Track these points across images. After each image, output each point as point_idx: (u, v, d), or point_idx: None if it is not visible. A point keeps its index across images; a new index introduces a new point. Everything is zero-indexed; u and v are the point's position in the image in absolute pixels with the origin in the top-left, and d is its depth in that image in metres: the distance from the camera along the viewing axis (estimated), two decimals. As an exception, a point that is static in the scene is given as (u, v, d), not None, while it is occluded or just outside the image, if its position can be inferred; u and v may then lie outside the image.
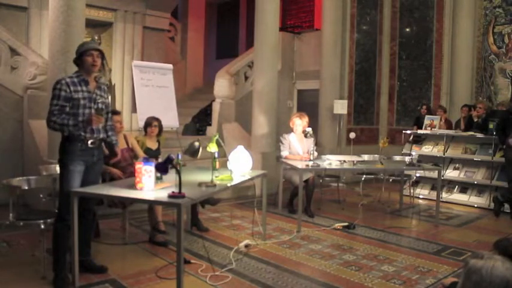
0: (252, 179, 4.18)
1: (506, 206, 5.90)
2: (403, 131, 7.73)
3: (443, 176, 6.49)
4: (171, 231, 4.35)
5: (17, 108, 6.01)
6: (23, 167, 5.90)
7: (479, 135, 6.44)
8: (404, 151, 7.36)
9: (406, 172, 6.32)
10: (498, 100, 7.78)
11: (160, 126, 5.01)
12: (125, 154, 4.49)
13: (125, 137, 4.59)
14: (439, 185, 5.51)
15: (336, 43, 8.38)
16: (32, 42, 7.68)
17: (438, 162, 6.78)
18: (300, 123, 5.65)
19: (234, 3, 13.43)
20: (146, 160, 3.30)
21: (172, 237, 4.10)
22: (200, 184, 3.52)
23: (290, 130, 5.77)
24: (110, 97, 8.48)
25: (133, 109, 8.14)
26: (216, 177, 3.72)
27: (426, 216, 5.78)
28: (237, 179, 3.92)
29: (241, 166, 4.12)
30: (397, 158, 6.34)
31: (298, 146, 5.65)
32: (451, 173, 6.76)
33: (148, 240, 4.31)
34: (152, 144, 4.94)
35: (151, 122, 4.97)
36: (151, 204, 4.03)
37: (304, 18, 10.62)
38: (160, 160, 4.31)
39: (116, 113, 4.55)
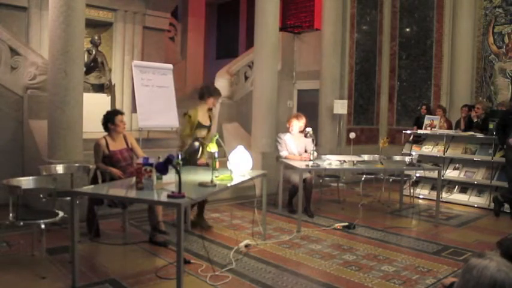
0: (252, 179, 4.18)
1: (506, 206, 5.90)
2: (403, 131, 7.73)
3: (443, 176, 6.49)
4: (171, 231, 4.35)
5: (17, 108, 6.01)
6: (23, 167, 5.90)
7: (479, 135, 6.44)
8: (404, 151, 7.35)
9: (406, 172, 6.31)
10: (498, 100, 7.78)
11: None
12: (125, 154, 4.49)
13: (125, 137, 4.59)
14: (439, 185, 5.51)
15: (336, 43, 8.37)
16: (32, 42, 7.68)
17: (438, 162, 6.78)
18: (297, 123, 5.68)
19: (234, 3, 13.44)
20: (146, 160, 3.31)
21: (173, 237, 4.10)
22: (200, 184, 3.52)
23: (287, 130, 5.79)
24: (110, 97, 8.54)
25: (134, 109, 8.14)
26: (216, 177, 3.72)
27: (426, 216, 5.78)
28: (237, 179, 3.93)
29: (241, 166, 4.13)
30: (397, 158, 6.34)
31: (293, 146, 5.67)
32: (451, 173, 6.76)
33: (149, 240, 4.31)
34: (205, 120, 4.82)
35: (218, 94, 4.93)
36: (152, 204, 4.03)
37: (304, 18, 10.62)
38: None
39: (121, 113, 4.55)
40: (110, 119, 4.44)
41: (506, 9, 7.78)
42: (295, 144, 5.68)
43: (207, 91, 4.82)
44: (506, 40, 7.77)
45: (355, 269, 3.75)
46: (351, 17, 8.82)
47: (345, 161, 5.39)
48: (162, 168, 3.24)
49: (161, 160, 3.24)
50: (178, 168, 3.11)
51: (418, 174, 6.62)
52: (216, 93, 4.87)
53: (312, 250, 4.23)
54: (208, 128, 4.84)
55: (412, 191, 6.84)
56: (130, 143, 4.59)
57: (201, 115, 4.73)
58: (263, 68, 7.01)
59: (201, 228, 4.73)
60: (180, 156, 3.38)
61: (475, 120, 6.93)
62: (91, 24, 8.32)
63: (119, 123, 4.44)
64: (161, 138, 7.38)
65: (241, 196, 6.46)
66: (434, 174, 6.06)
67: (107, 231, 4.58)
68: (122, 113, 4.55)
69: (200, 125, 4.71)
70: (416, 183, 7.06)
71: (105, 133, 4.51)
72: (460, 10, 7.99)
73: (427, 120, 7.31)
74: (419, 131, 7.26)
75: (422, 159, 6.79)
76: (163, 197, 3.07)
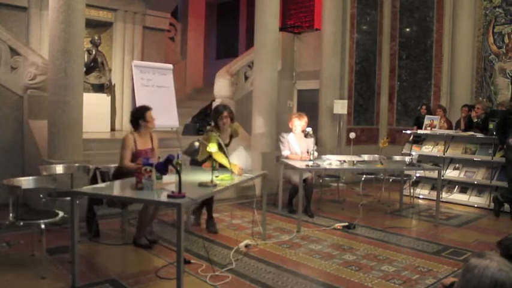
0: (252, 179, 4.18)
1: (506, 206, 5.90)
2: (403, 131, 7.72)
3: (443, 176, 6.49)
4: (171, 231, 4.35)
5: (17, 108, 6.01)
6: (23, 167, 5.90)
7: (479, 135, 6.44)
8: (404, 151, 7.35)
9: (406, 172, 6.31)
10: (498, 100, 7.78)
11: (232, 113, 4.78)
12: (149, 154, 4.31)
13: (151, 137, 4.45)
14: (439, 185, 5.51)
15: (336, 43, 8.37)
16: (32, 42, 7.68)
17: (438, 162, 6.78)
18: (298, 123, 5.67)
19: (234, 3, 13.43)
20: (146, 160, 3.30)
21: (172, 237, 4.10)
22: (200, 184, 3.52)
23: (290, 130, 5.79)
24: (110, 97, 8.54)
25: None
26: (216, 177, 3.72)
27: (426, 216, 5.78)
28: (237, 179, 3.92)
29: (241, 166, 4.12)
30: (397, 158, 6.34)
31: (296, 146, 5.67)
32: (451, 173, 6.76)
33: (132, 242, 4.21)
34: (224, 138, 4.65)
35: (222, 112, 4.69)
36: (151, 204, 4.02)
37: (304, 18, 10.63)
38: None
39: (150, 108, 4.36)
40: (141, 116, 4.28)
41: (506, 9, 7.78)
42: (299, 144, 5.68)
43: (213, 116, 4.78)
44: (506, 40, 7.77)
45: (355, 269, 3.75)
46: (351, 17, 8.82)
47: (345, 161, 5.39)
48: (162, 168, 3.24)
49: (161, 160, 3.24)
50: (178, 168, 3.12)
51: (418, 174, 6.62)
52: (217, 113, 4.75)
53: (312, 250, 4.22)
54: (227, 145, 4.69)
55: (412, 191, 6.83)
56: (154, 144, 4.46)
57: (222, 135, 4.63)
58: (263, 68, 7.01)
59: (208, 231, 4.72)
60: (179, 156, 3.37)
61: (475, 120, 6.93)
62: (91, 24, 8.32)
63: (150, 119, 4.31)
64: (161, 138, 7.36)
65: (241, 196, 6.47)
66: (434, 174, 6.06)
67: (106, 231, 4.58)
68: (151, 109, 4.39)
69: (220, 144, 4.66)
70: (416, 183, 7.06)
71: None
72: (460, 10, 7.99)
73: (427, 120, 7.31)
74: (419, 131, 7.26)
75: (422, 159, 6.79)
76: (163, 197, 3.07)
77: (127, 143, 4.23)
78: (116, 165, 4.38)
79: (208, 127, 4.78)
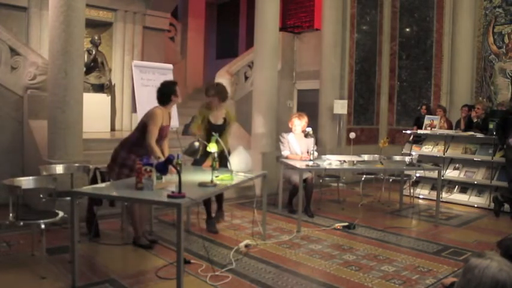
0: (252, 179, 4.17)
1: (506, 206, 5.90)
2: (403, 131, 7.72)
3: (443, 176, 6.49)
4: (171, 232, 4.34)
5: (17, 108, 6.01)
6: (23, 167, 5.90)
7: (479, 135, 6.44)
8: (404, 151, 7.36)
9: (406, 172, 6.31)
10: (498, 100, 7.78)
11: (220, 93, 4.71)
12: (167, 131, 4.27)
13: (170, 115, 4.32)
14: (439, 185, 5.51)
15: (336, 43, 8.37)
16: (32, 42, 7.67)
17: (438, 162, 6.78)
18: (298, 123, 5.68)
19: (234, 3, 13.43)
20: (146, 160, 3.30)
21: (172, 237, 4.10)
22: (200, 184, 3.52)
23: (290, 130, 5.79)
24: (110, 97, 8.54)
25: (134, 109, 8.13)
26: (216, 177, 3.72)
27: (426, 216, 5.78)
28: (237, 179, 3.93)
29: (241, 166, 4.12)
30: (397, 158, 6.34)
31: (296, 146, 5.67)
32: (451, 173, 6.76)
33: (132, 243, 4.21)
34: (216, 119, 4.67)
35: (208, 90, 4.66)
36: (151, 204, 4.02)
37: (304, 18, 10.62)
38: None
39: (177, 83, 4.25)
40: (173, 91, 4.12)
41: (506, 9, 7.78)
42: (298, 144, 5.68)
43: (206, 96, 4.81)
44: (506, 40, 7.77)
45: (355, 269, 3.75)
46: (351, 17, 8.81)
47: (345, 161, 5.39)
48: (162, 168, 3.24)
49: (161, 160, 3.24)
50: (178, 168, 3.11)
51: (418, 174, 6.62)
52: (206, 93, 4.78)
53: (312, 250, 4.23)
54: (221, 127, 4.71)
55: (412, 191, 6.83)
56: (170, 118, 4.34)
57: (214, 114, 4.70)
58: (263, 68, 7.01)
59: (208, 231, 4.73)
60: (179, 156, 3.37)
61: (475, 120, 6.93)
62: (91, 24, 8.32)
63: (179, 94, 4.19)
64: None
65: (241, 196, 6.47)
66: (434, 174, 6.06)
67: (106, 231, 4.58)
68: (177, 83, 4.29)
69: (211, 124, 4.67)
70: (416, 183, 7.06)
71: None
72: (460, 10, 7.99)
73: (427, 120, 7.32)
74: (419, 131, 7.26)
75: (422, 159, 6.78)
76: (163, 197, 3.07)
77: (158, 119, 4.00)
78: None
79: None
